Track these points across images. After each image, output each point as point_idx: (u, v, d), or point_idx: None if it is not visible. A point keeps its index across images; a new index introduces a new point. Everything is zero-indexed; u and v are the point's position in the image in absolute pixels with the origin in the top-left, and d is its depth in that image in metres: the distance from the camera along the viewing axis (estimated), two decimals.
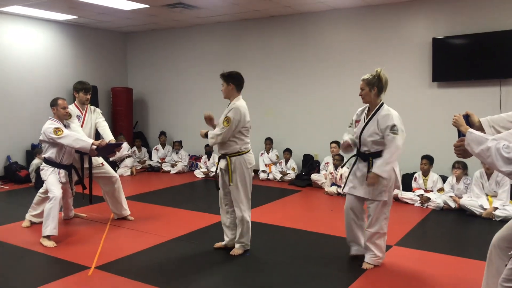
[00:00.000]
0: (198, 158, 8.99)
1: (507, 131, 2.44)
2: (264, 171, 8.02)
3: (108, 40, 9.66)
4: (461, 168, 5.83)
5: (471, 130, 2.37)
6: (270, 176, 7.93)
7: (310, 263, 3.90)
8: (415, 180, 6.22)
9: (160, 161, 9.08)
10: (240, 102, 3.96)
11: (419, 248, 4.28)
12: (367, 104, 3.70)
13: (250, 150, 4.03)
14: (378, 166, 3.48)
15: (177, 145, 8.99)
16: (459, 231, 5.16)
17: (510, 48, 6.13)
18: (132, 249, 4.21)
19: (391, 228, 4.56)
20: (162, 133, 9.26)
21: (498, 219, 5.23)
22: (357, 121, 3.76)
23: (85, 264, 3.81)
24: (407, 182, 6.25)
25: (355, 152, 3.81)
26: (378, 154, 3.54)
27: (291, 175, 7.70)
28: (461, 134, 2.47)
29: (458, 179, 5.88)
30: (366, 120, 3.63)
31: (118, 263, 3.87)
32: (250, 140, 4.05)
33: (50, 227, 4.32)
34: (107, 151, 4.76)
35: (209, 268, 3.79)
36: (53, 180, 4.48)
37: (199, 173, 8.30)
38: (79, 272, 3.66)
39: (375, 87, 3.58)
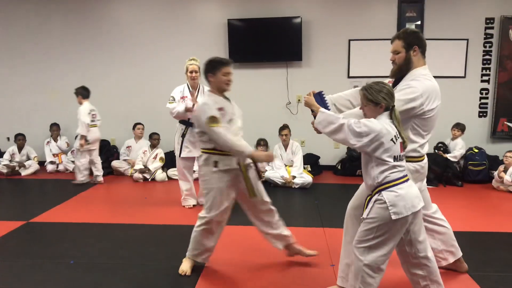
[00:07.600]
0: None
1: (350, 110, 2.68)
2: (52, 162, 7.05)
3: None
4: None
5: (322, 109, 2.45)
6: (61, 167, 6.97)
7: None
8: None
9: None
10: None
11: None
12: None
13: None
14: None
15: None
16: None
17: (291, 33, 6.78)
18: None
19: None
20: None
21: (296, 186, 5.90)
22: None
23: None
24: None
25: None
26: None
27: None
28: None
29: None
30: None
31: None
32: None
33: None
34: None
35: None
36: None
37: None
38: None
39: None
